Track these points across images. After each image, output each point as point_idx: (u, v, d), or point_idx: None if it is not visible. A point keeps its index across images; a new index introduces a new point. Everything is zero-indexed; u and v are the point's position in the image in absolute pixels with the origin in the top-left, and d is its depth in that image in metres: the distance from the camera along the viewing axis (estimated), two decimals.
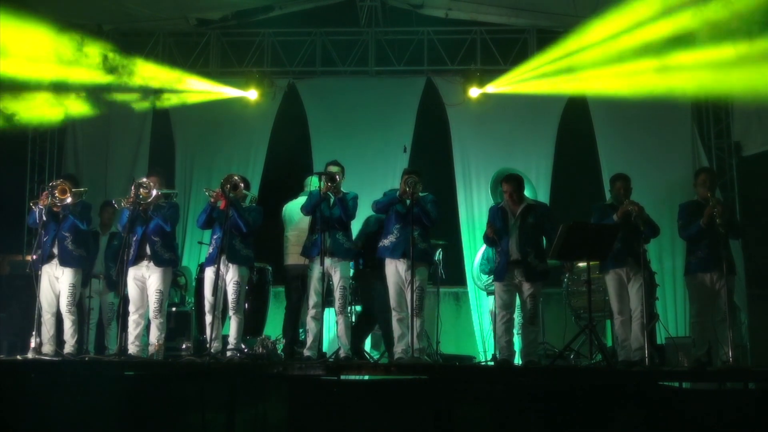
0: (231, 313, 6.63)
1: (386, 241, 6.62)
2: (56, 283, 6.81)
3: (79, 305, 7.05)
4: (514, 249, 6.49)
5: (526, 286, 6.45)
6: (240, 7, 9.93)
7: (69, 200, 6.70)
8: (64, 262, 6.77)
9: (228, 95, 9.83)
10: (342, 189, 6.65)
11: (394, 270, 6.55)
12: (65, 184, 6.75)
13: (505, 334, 6.47)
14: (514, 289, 6.54)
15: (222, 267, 6.50)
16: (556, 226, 6.55)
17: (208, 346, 6.41)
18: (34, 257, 6.88)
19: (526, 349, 6.42)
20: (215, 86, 9.83)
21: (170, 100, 9.73)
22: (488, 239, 6.72)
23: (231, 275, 6.60)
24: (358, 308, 7.93)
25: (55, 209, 6.73)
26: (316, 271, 6.55)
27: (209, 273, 6.62)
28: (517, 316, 6.78)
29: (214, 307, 6.50)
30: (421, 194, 6.49)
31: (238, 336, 6.63)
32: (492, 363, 7.31)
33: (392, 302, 6.55)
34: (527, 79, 9.40)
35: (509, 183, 6.72)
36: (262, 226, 6.92)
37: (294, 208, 7.57)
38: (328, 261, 6.53)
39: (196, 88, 9.81)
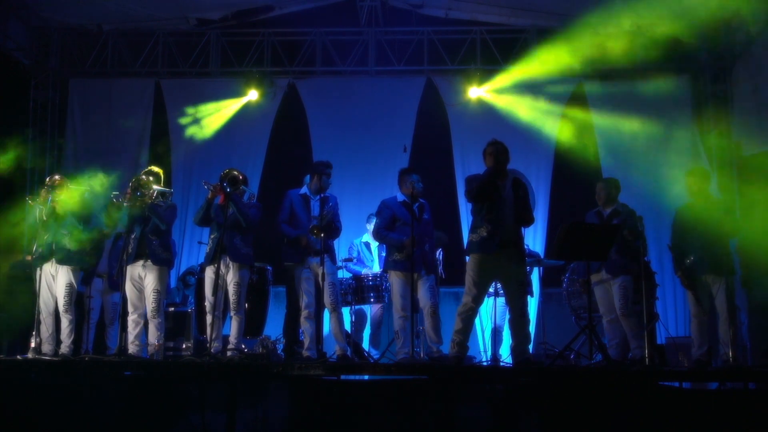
0: (231, 313, 6.62)
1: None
2: (53, 282, 6.80)
3: (79, 305, 7.04)
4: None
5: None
6: (240, 7, 9.92)
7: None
8: (60, 261, 6.76)
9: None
10: (327, 192, 6.69)
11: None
12: (63, 180, 6.74)
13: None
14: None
15: (222, 267, 6.50)
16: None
17: (208, 346, 6.41)
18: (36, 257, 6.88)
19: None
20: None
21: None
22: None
23: (231, 276, 6.59)
24: (358, 307, 7.92)
25: (53, 204, 6.71)
26: (303, 272, 6.57)
27: (209, 273, 6.62)
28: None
29: (214, 307, 6.50)
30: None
31: (239, 336, 6.63)
32: (490, 362, 7.30)
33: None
34: (528, 78, 9.38)
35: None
36: (262, 225, 6.91)
37: None
38: (315, 262, 6.52)
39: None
